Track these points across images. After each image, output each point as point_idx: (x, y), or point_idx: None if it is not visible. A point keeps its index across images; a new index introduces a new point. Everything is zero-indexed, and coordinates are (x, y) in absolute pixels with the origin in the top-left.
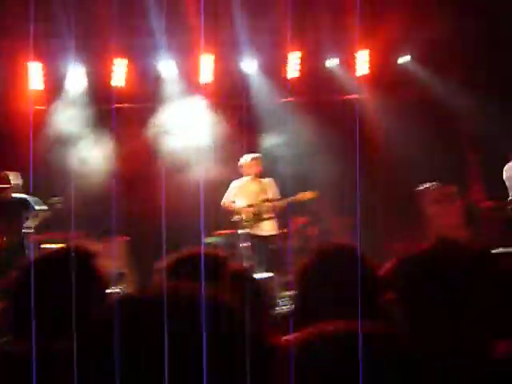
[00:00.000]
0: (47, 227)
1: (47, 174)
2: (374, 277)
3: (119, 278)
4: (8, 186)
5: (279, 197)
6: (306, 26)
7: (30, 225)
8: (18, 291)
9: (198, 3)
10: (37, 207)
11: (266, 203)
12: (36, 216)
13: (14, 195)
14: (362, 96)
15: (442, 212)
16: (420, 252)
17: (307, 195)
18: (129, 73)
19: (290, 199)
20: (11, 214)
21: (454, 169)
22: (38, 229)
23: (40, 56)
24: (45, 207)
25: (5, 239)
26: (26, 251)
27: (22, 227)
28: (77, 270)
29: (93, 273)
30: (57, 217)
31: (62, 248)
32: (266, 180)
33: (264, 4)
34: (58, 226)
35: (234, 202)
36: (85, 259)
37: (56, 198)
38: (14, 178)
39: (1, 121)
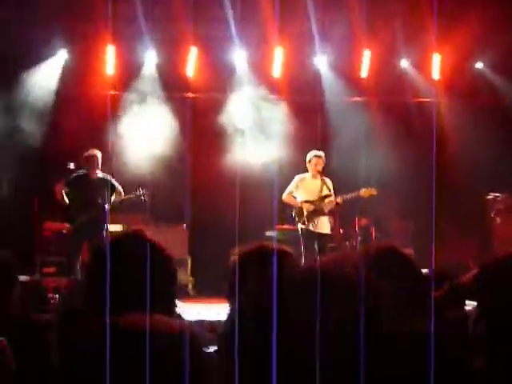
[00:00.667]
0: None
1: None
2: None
3: (181, 264)
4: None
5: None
6: (381, 24)
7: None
8: (92, 271)
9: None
10: (121, 191)
11: (327, 199)
12: (119, 196)
13: (99, 174)
14: (435, 100)
15: (506, 223)
16: (504, 261)
17: (369, 192)
18: (202, 62)
19: (351, 195)
20: (97, 191)
21: None
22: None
23: (117, 40)
24: (131, 195)
25: (77, 217)
26: (103, 228)
27: (104, 205)
28: (148, 253)
29: (162, 255)
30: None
31: (132, 231)
32: (326, 179)
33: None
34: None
35: (295, 196)
36: (152, 244)
37: (143, 190)
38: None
39: (80, 104)
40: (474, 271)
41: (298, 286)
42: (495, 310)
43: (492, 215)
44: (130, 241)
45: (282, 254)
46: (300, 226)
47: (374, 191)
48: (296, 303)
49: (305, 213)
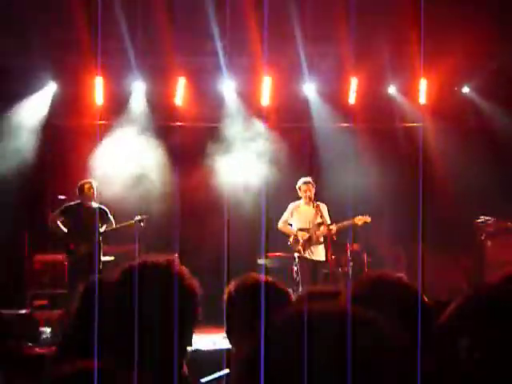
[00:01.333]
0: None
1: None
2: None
3: None
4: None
5: (330, 222)
6: (368, 52)
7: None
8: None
9: (260, 27)
10: (113, 222)
11: (321, 227)
12: (110, 226)
13: (93, 204)
14: (423, 124)
15: (497, 246)
16: (491, 289)
17: (363, 219)
18: (190, 92)
19: (345, 223)
20: (93, 221)
21: None
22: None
23: (104, 72)
24: (128, 222)
25: (75, 248)
26: (98, 258)
27: (97, 235)
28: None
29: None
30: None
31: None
32: (320, 204)
33: (326, 28)
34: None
35: (290, 224)
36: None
37: (141, 216)
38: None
39: (67, 134)
40: (457, 302)
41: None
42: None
43: (482, 238)
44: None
45: (272, 287)
46: (296, 254)
47: (367, 219)
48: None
49: (300, 241)
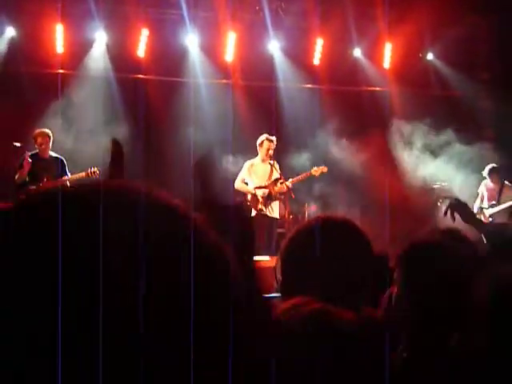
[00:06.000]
0: None
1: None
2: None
3: None
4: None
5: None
6: (333, 14)
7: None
8: None
9: None
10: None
11: (278, 183)
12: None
13: (51, 153)
14: (386, 88)
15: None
16: (429, 240)
17: (320, 170)
18: (152, 44)
19: (303, 175)
20: (49, 172)
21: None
22: None
23: (66, 19)
24: (82, 173)
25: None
26: None
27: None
28: None
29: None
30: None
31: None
32: (274, 162)
33: None
34: None
35: (246, 183)
36: None
37: (95, 168)
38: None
39: (27, 84)
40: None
41: None
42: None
43: (438, 204)
44: None
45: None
46: (254, 211)
47: (324, 169)
48: None
49: (260, 199)
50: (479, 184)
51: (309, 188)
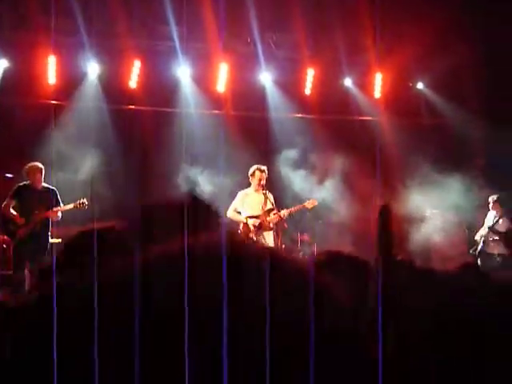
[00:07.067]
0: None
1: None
2: None
3: None
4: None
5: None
6: (324, 44)
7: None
8: None
9: (218, 15)
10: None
11: (271, 213)
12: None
13: (44, 184)
14: (377, 118)
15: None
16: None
17: (312, 203)
18: (144, 75)
19: (296, 207)
20: (42, 203)
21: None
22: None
23: (59, 51)
24: (71, 205)
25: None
26: (48, 240)
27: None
28: None
29: None
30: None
31: None
32: (268, 193)
33: (284, 19)
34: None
35: (239, 212)
36: None
37: (84, 200)
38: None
39: (19, 114)
40: None
41: None
42: None
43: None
44: None
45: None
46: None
47: (315, 201)
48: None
49: (251, 228)
50: (470, 211)
51: (302, 213)
